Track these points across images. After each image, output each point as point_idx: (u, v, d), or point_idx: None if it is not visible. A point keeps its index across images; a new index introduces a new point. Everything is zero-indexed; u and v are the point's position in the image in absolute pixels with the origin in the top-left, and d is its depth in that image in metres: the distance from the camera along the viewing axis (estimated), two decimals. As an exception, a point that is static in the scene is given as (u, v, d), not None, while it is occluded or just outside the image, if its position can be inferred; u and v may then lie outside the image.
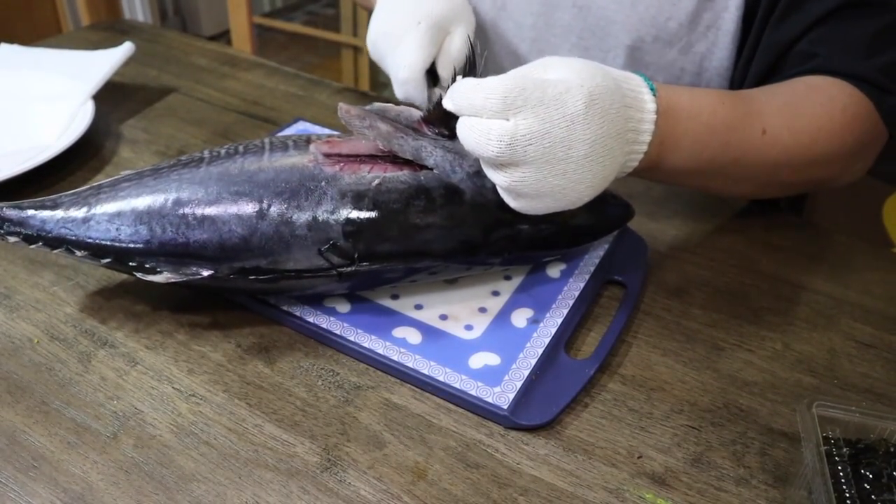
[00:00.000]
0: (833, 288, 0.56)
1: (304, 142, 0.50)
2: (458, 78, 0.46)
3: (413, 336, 0.48)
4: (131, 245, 0.46)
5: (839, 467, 0.38)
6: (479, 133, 0.43)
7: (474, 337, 0.49)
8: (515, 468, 0.42)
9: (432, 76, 0.58)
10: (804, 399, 0.40)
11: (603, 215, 0.53)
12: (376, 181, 0.46)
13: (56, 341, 0.49)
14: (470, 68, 0.49)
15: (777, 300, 0.54)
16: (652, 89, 0.47)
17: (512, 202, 0.46)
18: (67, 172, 0.65)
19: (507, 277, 0.54)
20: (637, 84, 0.47)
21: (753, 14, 0.61)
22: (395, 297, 0.52)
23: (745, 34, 0.63)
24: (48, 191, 0.63)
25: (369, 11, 0.67)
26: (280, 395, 0.45)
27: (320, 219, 0.45)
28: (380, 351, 0.47)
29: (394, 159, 0.48)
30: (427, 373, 0.46)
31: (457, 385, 0.45)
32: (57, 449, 0.42)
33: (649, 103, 0.47)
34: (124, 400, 0.45)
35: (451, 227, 0.47)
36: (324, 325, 0.49)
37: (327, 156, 0.48)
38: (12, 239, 0.48)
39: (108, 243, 0.46)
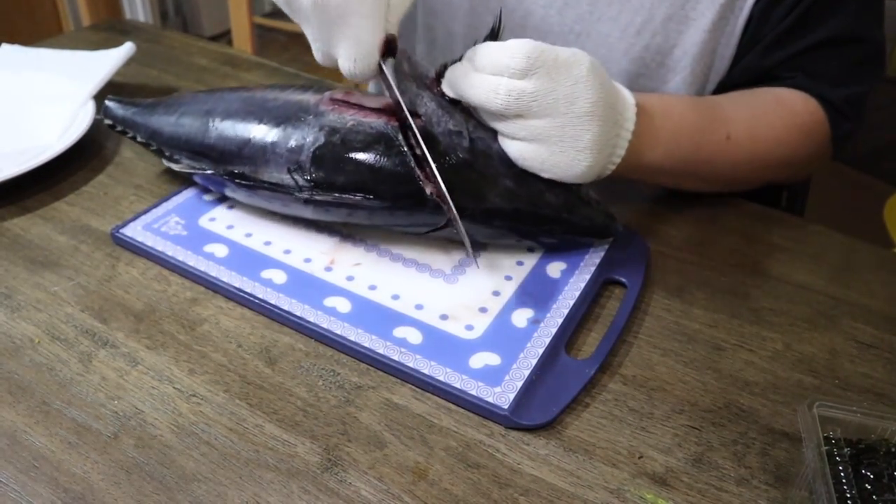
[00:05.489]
0: (834, 288, 0.55)
1: (326, 89, 0.56)
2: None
3: (413, 336, 0.49)
4: (168, 140, 0.59)
5: (840, 467, 0.37)
6: (486, 89, 0.47)
7: (475, 337, 0.49)
8: (516, 468, 0.42)
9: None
10: (805, 399, 0.40)
11: (577, 211, 0.53)
12: (351, 122, 0.52)
13: (57, 341, 0.49)
14: (491, 35, 0.51)
15: (778, 300, 0.54)
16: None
17: (509, 146, 0.49)
18: (69, 173, 0.66)
19: (508, 278, 0.54)
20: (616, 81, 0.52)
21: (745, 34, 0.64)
22: (395, 297, 0.52)
23: None
24: (49, 191, 0.63)
25: None
26: (281, 396, 0.45)
27: (297, 143, 0.52)
28: (380, 351, 0.47)
29: (378, 111, 0.52)
30: (427, 373, 0.46)
31: (457, 385, 0.45)
32: (58, 449, 0.42)
33: (629, 96, 0.52)
34: (125, 400, 0.45)
35: (403, 175, 0.50)
36: (324, 325, 0.49)
37: (333, 100, 0.54)
38: (107, 121, 0.63)
39: (157, 135, 0.60)
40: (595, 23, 0.65)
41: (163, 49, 0.92)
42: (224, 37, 2.63)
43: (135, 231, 0.57)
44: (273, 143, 0.53)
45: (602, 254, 0.56)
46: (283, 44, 2.75)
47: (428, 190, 0.50)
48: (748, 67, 0.63)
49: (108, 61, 0.77)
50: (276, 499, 0.39)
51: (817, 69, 0.61)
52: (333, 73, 0.54)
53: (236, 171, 0.54)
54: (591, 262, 0.55)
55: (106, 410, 0.44)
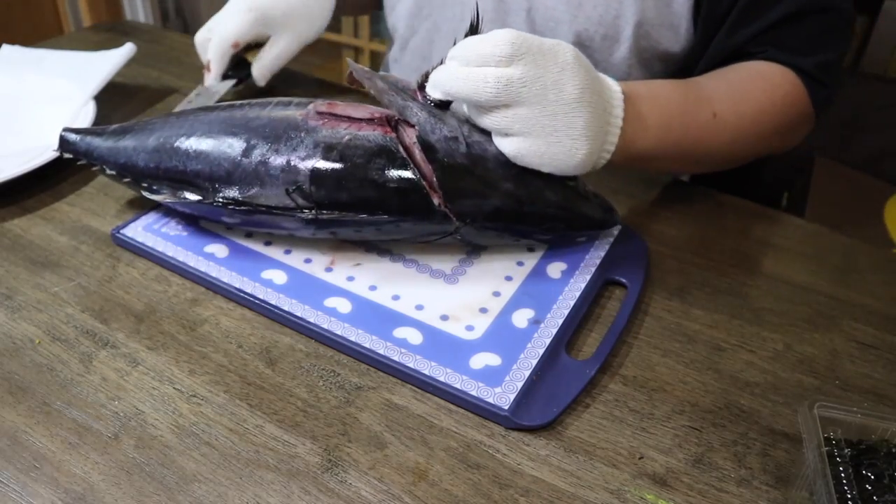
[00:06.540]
0: (834, 288, 0.55)
1: (307, 102, 0.54)
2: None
3: (414, 336, 0.49)
4: (144, 170, 0.55)
5: (841, 468, 0.37)
6: (474, 80, 0.47)
7: (475, 337, 0.49)
8: (516, 469, 0.42)
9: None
10: (805, 400, 0.40)
11: (577, 207, 0.53)
12: (347, 137, 0.50)
13: (57, 342, 0.49)
14: (471, 31, 0.51)
15: (778, 301, 0.54)
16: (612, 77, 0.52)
17: (505, 145, 0.49)
18: (69, 173, 0.66)
19: (509, 278, 0.54)
20: (600, 71, 0.52)
21: (698, 8, 0.65)
22: (395, 297, 0.52)
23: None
24: (50, 192, 0.63)
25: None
26: (281, 396, 0.45)
27: (292, 163, 0.50)
28: (381, 351, 0.47)
29: (372, 122, 0.51)
30: (428, 373, 0.46)
31: (457, 385, 0.45)
32: (58, 449, 0.42)
33: (615, 84, 0.52)
34: (125, 400, 0.45)
35: (408, 188, 0.49)
36: (325, 326, 0.49)
37: (319, 113, 0.52)
38: (67, 155, 0.59)
39: (130, 167, 0.56)
40: None
41: (163, 50, 0.92)
42: (224, 37, 2.62)
43: (135, 231, 0.57)
44: (266, 165, 0.50)
45: (602, 254, 0.56)
46: (283, 44, 2.74)
47: (436, 201, 0.50)
48: (719, 47, 0.65)
49: (108, 62, 0.77)
50: (276, 499, 0.39)
51: (787, 42, 0.62)
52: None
53: (229, 197, 0.52)
54: (591, 263, 0.55)
55: (106, 411, 0.44)
